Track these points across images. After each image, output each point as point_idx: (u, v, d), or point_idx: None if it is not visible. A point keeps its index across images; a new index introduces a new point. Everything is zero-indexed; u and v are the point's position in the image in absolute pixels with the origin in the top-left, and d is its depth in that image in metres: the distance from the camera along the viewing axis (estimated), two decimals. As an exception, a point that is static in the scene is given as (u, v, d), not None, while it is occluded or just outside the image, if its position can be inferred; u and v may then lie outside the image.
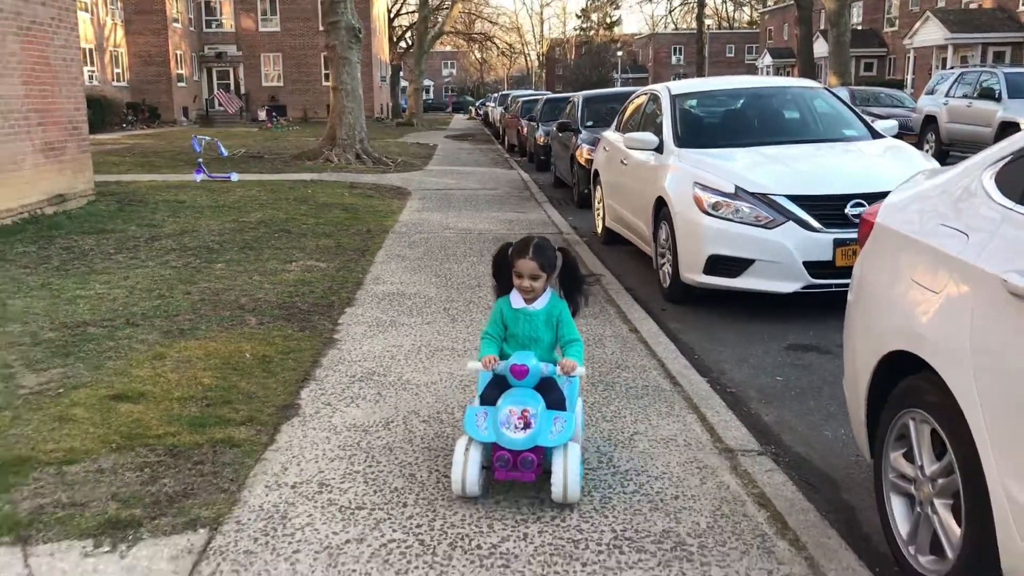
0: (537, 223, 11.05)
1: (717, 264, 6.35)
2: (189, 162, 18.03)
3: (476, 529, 3.13)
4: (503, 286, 3.54)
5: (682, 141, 7.46)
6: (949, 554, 2.70)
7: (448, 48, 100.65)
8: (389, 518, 3.20)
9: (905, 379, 2.92)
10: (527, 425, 3.17)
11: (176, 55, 46.53)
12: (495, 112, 41.79)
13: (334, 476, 3.55)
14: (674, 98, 8.08)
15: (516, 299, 3.46)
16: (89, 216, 10.98)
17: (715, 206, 6.39)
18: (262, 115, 44.92)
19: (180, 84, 47.03)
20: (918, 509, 2.89)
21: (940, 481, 2.75)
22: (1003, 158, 2.83)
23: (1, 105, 10.17)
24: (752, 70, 72.10)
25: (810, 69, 34.50)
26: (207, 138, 16.86)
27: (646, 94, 9.12)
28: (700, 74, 53.67)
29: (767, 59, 63.44)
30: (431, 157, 23.20)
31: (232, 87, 51.28)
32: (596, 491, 3.43)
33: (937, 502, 2.77)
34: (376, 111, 50.55)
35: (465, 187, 15.51)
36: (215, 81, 51.62)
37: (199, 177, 15.28)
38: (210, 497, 3.34)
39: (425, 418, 4.20)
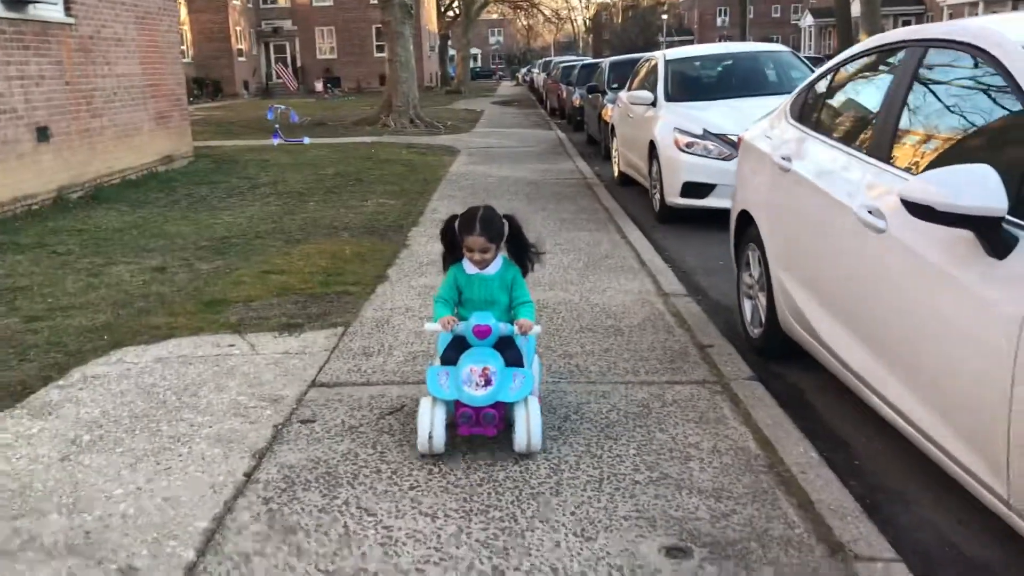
0: (566, 171, 13.14)
1: (690, 189, 8.42)
2: (263, 129, 20.43)
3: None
4: (454, 255, 3.62)
5: (670, 97, 9.51)
6: (763, 323, 4.80)
7: (494, 16, 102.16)
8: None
9: (748, 226, 5.01)
10: (488, 382, 3.29)
11: (236, 31, 49.09)
12: (539, 78, 43.68)
13: (414, 305, 5.75)
14: (668, 63, 10.11)
15: (469, 266, 3.56)
16: (195, 173, 13.35)
17: (688, 145, 8.45)
18: (319, 86, 47.34)
19: (240, 59, 49.65)
20: (753, 302, 5.00)
21: (760, 282, 4.85)
22: (797, 93, 4.88)
23: (125, 82, 12.54)
24: (796, 31, 72.60)
25: (847, 28, 35.68)
26: (281, 107, 19.19)
27: (650, 60, 11.14)
28: (743, 36, 54.83)
29: (808, 19, 64.06)
30: (477, 121, 25.31)
31: (288, 60, 53.80)
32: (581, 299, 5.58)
33: (760, 295, 4.87)
34: (426, 80, 52.69)
35: (507, 145, 17.63)
36: (272, 55, 54.21)
37: (276, 141, 17.62)
38: (341, 314, 5.55)
39: (470, 281, 6.37)
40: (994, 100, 3.00)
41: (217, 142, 18.38)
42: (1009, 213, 2.56)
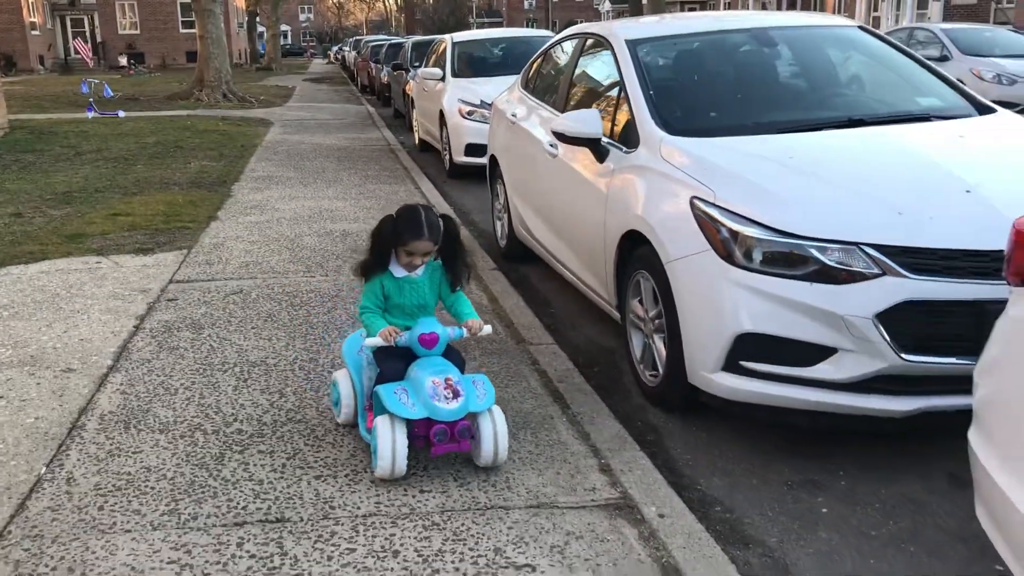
0: (373, 139, 14.72)
1: (471, 149, 10.25)
2: (73, 104, 20.70)
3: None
4: (380, 263, 3.30)
5: (456, 73, 11.33)
6: (506, 235, 6.66)
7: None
8: (274, 254, 6.94)
9: (496, 167, 6.84)
10: (456, 394, 3.07)
11: (27, 2, 46.97)
12: (350, 56, 44.63)
13: (242, 235, 7.25)
14: (454, 44, 11.94)
15: (397, 269, 3.31)
16: (15, 142, 13.96)
17: (469, 113, 10.29)
18: (122, 62, 46.21)
19: (34, 32, 47.56)
20: (501, 222, 6.85)
21: (504, 206, 6.68)
22: (525, 68, 6.74)
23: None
24: (598, 15, 76.76)
25: (638, 13, 38.92)
26: (95, 81, 19.64)
27: (441, 41, 12.92)
28: (547, 21, 58.09)
29: (607, 5, 67.97)
30: (290, 97, 26.30)
31: (88, 35, 51.93)
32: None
33: (504, 215, 6.71)
34: (235, 57, 52.22)
35: (319, 118, 18.96)
36: (70, 30, 52.12)
37: (91, 114, 18.15)
38: (184, 241, 6.98)
39: (288, 220, 7.90)
40: (605, 71, 4.95)
41: (28, 115, 18.62)
42: (604, 136, 4.49)
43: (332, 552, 2.72)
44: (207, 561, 2.68)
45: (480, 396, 3.15)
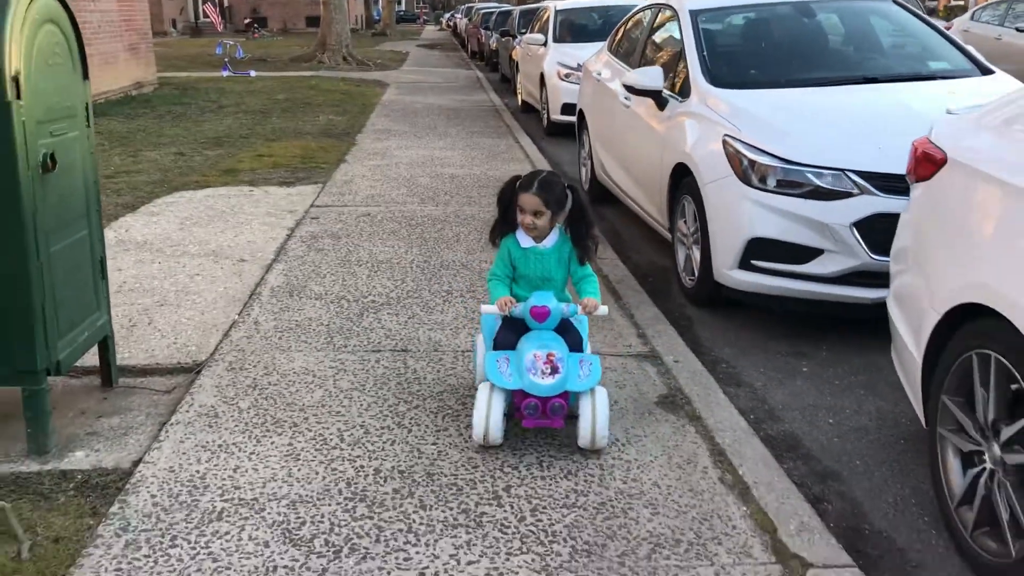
0: (480, 101, 15.91)
1: (567, 108, 11.28)
2: (207, 63, 22.62)
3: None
4: (507, 221, 3.33)
5: (557, 39, 12.38)
6: (590, 179, 7.73)
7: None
8: (393, 189, 8.20)
9: (583, 120, 7.91)
10: (555, 370, 3.05)
11: (162, -31, 49.82)
12: (462, 23, 45.94)
13: (366, 174, 8.53)
14: (556, 12, 12.96)
15: (524, 238, 3.30)
16: (165, 97, 15.71)
17: (567, 75, 11.34)
18: (246, 24, 48.71)
19: (168, -3, 50.45)
20: (585, 168, 7.92)
21: (589, 154, 7.76)
22: (612, 33, 7.76)
23: (105, 18, 14.79)
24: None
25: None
26: (229, 43, 21.40)
27: (545, 9, 13.96)
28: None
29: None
30: (404, 61, 27.76)
31: (216, 0, 54.72)
32: (475, 177, 8.45)
33: (588, 162, 7.78)
34: (352, 23, 54.26)
35: (431, 81, 20.28)
36: (200, -6, 54.96)
37: (226, 73, 19.91)
38: (319, 177, 8.31)
39: (405, 164, 9.15)
40: (672, 35, 5.96)
41: (172, 74, 20.54)
42: (664, 87, 5.52)
43: (440, 369, 3.91)
44: (355, 368, 3.90)
45: (582, 376, 3.10)
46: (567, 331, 3.24)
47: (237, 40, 38.11)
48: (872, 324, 4.14)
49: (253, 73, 20.21)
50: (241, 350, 4.11)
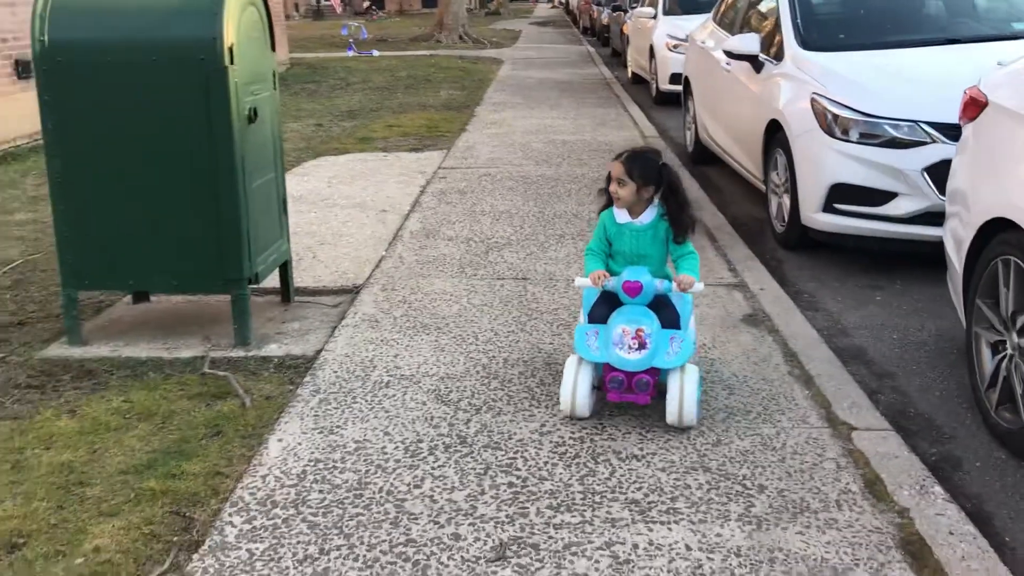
0: (591, 75, 16.51)
1: (675, 78, 11.77)
2: (331, 44, 23.85)
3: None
4: (607, 192, 3.32)
5: (667, 12, 12.87)
6: (694, 141, 8.29)
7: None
8: (510, 153, 8.94)
9: (689, 86, 8.46)
10: (642, 345, 3.03)
11: (287, -45, 51.94)
12: (573, 0, 46.33)
13: (486, 141, 9.30)
14: (664, -13, 13.43)
15: (620, 213, 3.29)
16: (297, 75, 16.88)
17: (675, 47, 11.83)
18: (365, 6, 50.40)
19: (292, -18, 52.59)
20: (690, 131, 8.47)
21: (692, 117, 8.31)
22: (716, 5, 8.26)
23: None
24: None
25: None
26: (353, 24, 22.57)
27: (658, -16, 14.42)
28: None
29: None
30: (517, 39, 28.50)
31: (336, -17, 56.63)
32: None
33: (693, 125, 8.33)
34: (467, 2, 55.35)
35: (543, 57, 20.95)
36: (321, -22, 57.01)
37: (351, 53, 21.06)
38: (444, 144, 9.13)
39: (520, 132, 9.87)
40: (772, 5, 6.46)
41: (300, 54, 21.84)
42: (760, 52, 6.06)
43: (554, 292, 4.63)
44: (484, 291, 4.66)
45: (671, 353, 3.07)
46: (663, 307, 3.20)
47: (357, 22, 39.69)
48: (941, 260, 4.63)
49: (376, 52, 21.30)
50: (390, 277, 4.92)
